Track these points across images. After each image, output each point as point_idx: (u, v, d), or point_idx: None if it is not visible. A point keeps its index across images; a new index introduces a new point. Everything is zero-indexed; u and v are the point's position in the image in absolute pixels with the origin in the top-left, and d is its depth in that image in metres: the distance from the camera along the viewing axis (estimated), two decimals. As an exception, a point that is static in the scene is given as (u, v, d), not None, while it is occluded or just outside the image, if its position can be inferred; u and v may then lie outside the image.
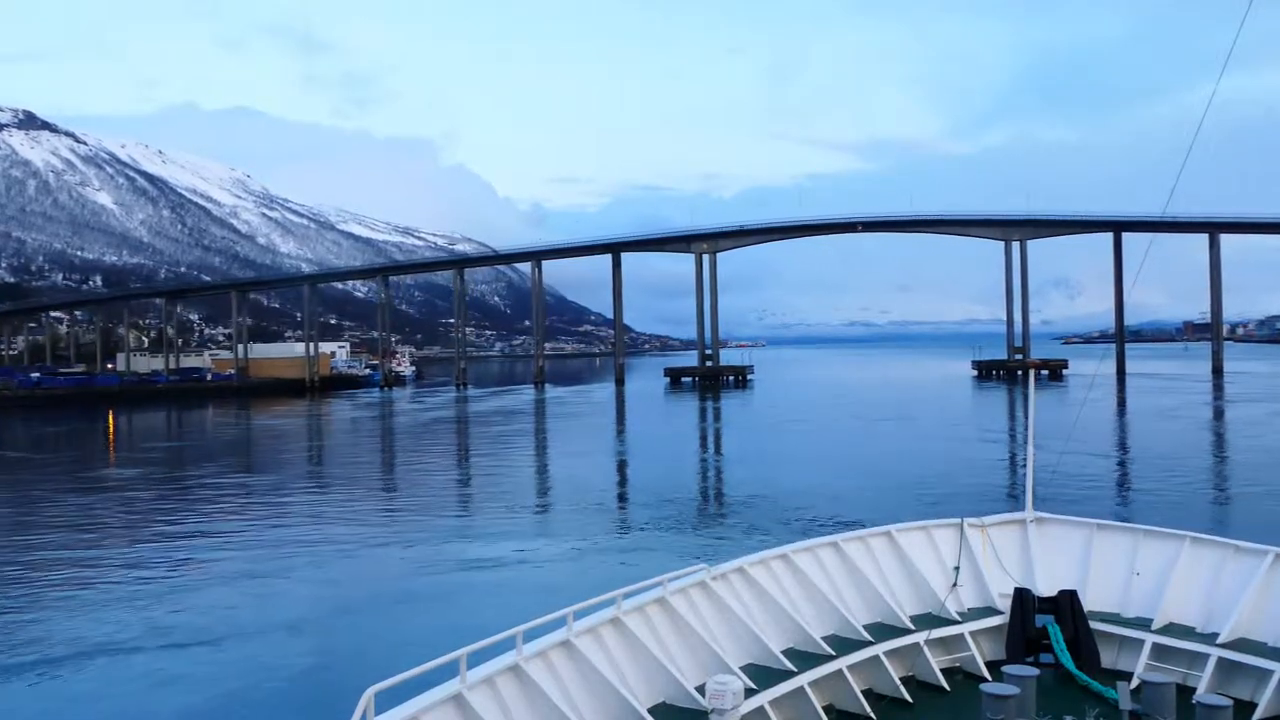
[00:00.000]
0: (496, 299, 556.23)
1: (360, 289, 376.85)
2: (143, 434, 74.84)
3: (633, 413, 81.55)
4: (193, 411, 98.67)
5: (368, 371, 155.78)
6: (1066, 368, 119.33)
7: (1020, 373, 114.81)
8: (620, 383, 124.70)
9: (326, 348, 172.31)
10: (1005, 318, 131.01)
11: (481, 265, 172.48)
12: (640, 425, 68.67)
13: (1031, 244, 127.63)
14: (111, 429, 79.65)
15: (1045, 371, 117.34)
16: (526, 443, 57.40)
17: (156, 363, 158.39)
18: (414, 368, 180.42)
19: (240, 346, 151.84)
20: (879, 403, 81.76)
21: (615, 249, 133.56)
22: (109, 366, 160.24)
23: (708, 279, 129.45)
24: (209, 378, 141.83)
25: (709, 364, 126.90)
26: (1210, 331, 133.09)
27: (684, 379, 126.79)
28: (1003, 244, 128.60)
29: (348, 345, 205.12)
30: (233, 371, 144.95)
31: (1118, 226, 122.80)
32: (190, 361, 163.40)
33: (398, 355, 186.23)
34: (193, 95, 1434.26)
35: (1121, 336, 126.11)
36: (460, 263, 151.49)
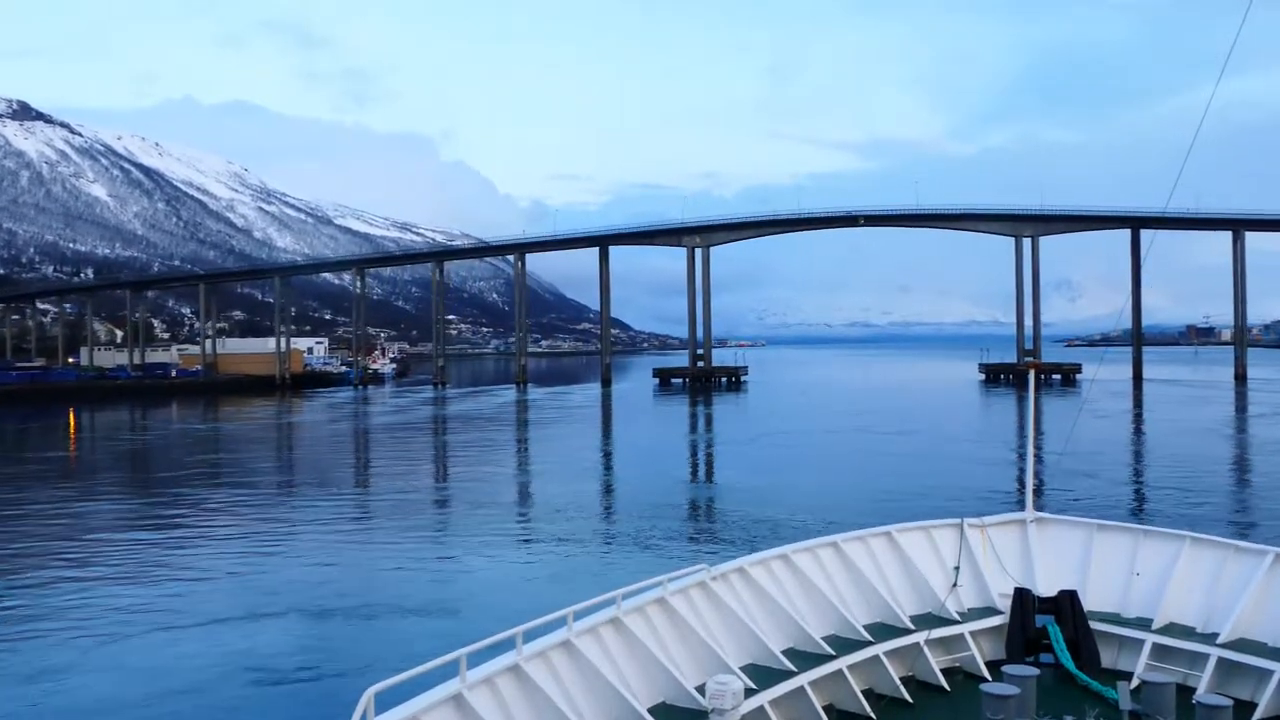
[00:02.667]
0: (494, 295, 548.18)
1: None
2: (54, 438, 67.39)
3: (608, 421, 74.40)
4: (147, 410, 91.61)
5: (343, 369, 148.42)
6: (1079, 372, 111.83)
7: (1028, 374, 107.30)
8: (606, 384, 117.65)
9: (303, 343, 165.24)
10: (1010, 319, 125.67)
11: (460, 258, 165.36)
12: (613, 437, 61.90)
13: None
14: (57, 428, 72.78)
15: (1057, 376, 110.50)
16: (474, 459, 50.02)
17: (122, 357, 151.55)
18: (394, 365, 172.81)
19: (209, 341, 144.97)
20: (882, 411, 74.51)
21: (603, 242, 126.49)
22: (70, 361, 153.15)
23: (700, 274, 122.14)
24: (173, 374, 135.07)
25: (700, 364, 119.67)
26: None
27: (674, 380, 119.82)
28: (1012, 241, 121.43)
29: (325, 341, 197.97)
30: (199, 368, 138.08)
31: (1136, 223, 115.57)
32: (156, 357, 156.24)
33: (376, 352, 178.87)
34: (191, 90, 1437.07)
35: (1139, 339, 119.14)
36: (439, 255, 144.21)
